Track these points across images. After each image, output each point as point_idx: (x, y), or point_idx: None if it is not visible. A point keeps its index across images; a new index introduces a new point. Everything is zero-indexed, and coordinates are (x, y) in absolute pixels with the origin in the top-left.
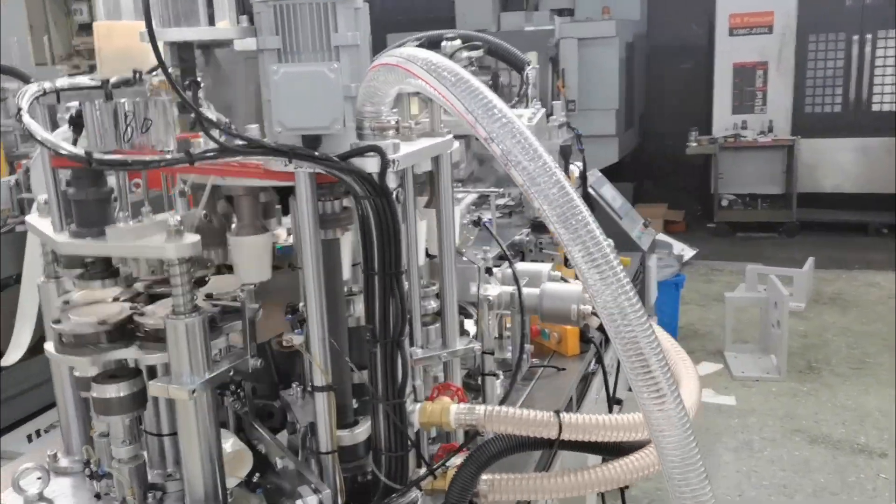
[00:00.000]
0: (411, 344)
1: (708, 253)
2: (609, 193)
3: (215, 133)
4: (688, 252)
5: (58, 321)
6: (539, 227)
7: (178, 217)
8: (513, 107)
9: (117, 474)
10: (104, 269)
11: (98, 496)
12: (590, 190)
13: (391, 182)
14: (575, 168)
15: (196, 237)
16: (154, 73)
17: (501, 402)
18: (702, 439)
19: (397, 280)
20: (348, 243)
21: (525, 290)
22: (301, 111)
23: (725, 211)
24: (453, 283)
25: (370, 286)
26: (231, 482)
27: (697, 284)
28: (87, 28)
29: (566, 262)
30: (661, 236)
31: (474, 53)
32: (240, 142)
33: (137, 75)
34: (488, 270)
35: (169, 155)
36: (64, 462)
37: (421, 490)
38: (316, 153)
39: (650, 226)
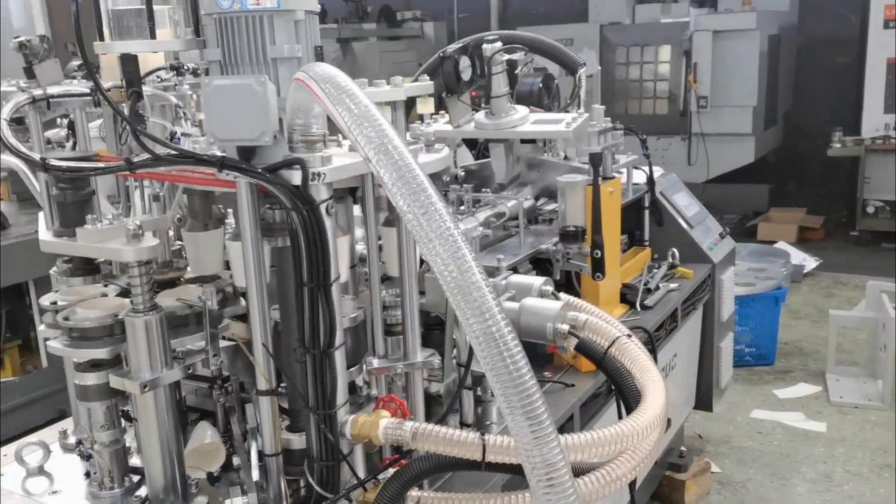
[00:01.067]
0: (373, 353)
1: (842, 264)
2: (683, 201)
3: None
4: (810, 262)
5: (66, 318)
6: (568, 236)
7: (139, 221)
8: (564, 110)
9: (97, 457)
10: (84, 267)
11: (87, 475)
12: (659, 196)
13: (321, 194)
14: (642, 173)
15: (154, 241)
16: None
17: (480, 417)
18: (778, 466)
19: (325, 292)
20: (346, 246)
21: (506, 304)
22: (230, 123)
23: (870, 219)
24: (414, 296)
25: (300, 297)
26: (198, 474)
27: (816, 298)
28: None
29: (594, 274)
30: (782, 245)
31: (515, 56)
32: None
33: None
34: None
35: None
36: (71, 439)
37: (352, 501)
38: (244, 164)
39: (727, 236)
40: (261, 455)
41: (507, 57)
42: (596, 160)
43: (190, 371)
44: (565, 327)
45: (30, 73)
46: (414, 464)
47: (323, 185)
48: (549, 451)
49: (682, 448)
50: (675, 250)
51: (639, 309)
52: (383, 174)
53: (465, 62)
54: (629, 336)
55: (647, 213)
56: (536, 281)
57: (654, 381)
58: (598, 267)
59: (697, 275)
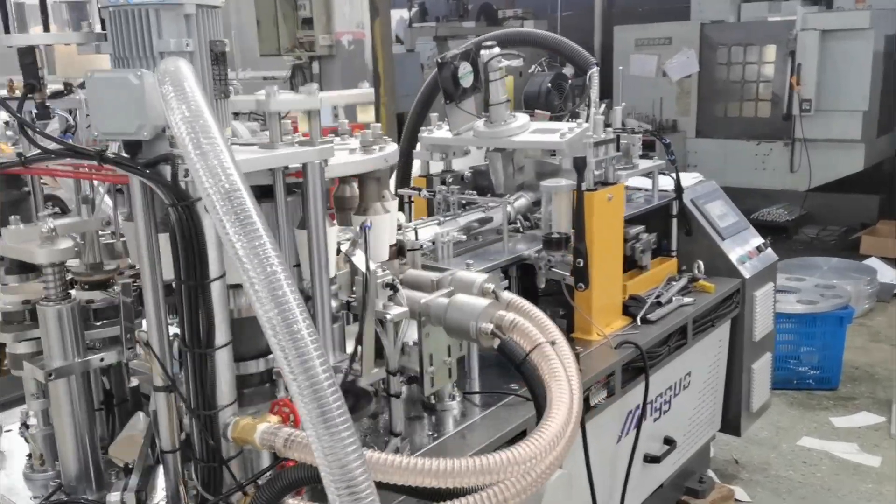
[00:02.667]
0: None
1: None
2: (717, 210)
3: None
4: None
5: None
6: (552, 243)
7: (52, 224)
8: (575, 111)
9: (31, 439)
10: (19, 266)
11: (29, 455)
12: (689, 204)
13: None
14: (670, 180)
15: (68, 243)
16: None
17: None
18: (816, 499)
19: (203, 289)
20: (333, 235)
21: (435, 299)
22: (111, 117)
23: None
24: (326, 298)
25: (179, 295)
26: (118, 462)
27: None
28: (308, 22)
29: (575, 283)
30: (873, 261)
31: (514, 63)
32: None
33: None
34: (390, 286)
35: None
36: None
37: None
38: (121, 158)
39: (767, 250)
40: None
41: (504, 63)
42: (580, 164)
43: (102, 361)
44: (489, 326)
45: None
46: (287, 472)
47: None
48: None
49: (710, 472)
50: (700, 262)
51: (638, 323)
52: (201, 181)
53: (465, 68)
54: (553, 343)
55: (674, 221)
56: (479, 278)
57: (559, 398)
58: (580, 276)
59: (721, 289)
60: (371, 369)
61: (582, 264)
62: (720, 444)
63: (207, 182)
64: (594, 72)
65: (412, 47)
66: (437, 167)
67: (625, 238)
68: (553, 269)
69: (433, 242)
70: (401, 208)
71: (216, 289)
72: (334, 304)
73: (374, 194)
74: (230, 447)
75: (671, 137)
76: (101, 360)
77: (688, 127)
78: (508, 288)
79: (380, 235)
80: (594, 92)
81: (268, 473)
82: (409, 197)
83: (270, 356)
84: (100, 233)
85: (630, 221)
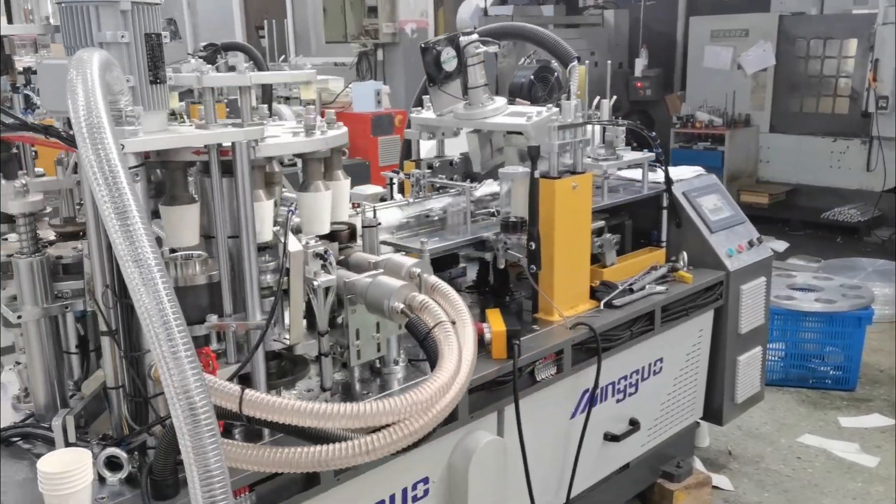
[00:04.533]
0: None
1: None
2: (711, 204)
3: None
4: None
5: None
6: (508, 227)
7: (25, 180)
8: (557, 103)
9: (18, 374)
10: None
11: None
12: (680, 196)
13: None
14: (660, 173)
15: (38, 197)
16: None
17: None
18: (798, 494)
19: None
20: (270, 207)
21: (361, 279)
22: (54, 97)
23: None
24: (253, 268)
25: (111, 252)
26: None
27: None
28: (374, 11)
29: (528, 265)
30: None
31: (491, 49)
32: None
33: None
34: (320, 256)
35: None
36: None
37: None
38: (63, 132)
39: (760, 245)
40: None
41: (482, 49)
42: (534, 153)
43: (67, 309)
44: (399, 305)
45: None
46: None
47: (126, 155)
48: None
49: (697, 460)
50: (684, 253)
51: (601, 307)
52: (84, 164)
53: (448, 53)
54: (454, 323)
55: (664, 213)
56: (408, 262)
57: (447, 364)
58: (533, 258)
59: (700, 280)
60: (299, 335)
61: (535, 247)
62: (717, 433)
63: (90, 165)
64: (574, 65)
65: None
66: (433, 152)
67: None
68: (509, 251)
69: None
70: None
71: None
72: (269, 276)
73: (315, 173)
74: (155, 386)
75: (744, 132)
76: (66, 307)
77: (761, 122)
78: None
79: (317, 212)
80: (573, 84)
81: None
82: (391, 179)
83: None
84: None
85: (614, 211)
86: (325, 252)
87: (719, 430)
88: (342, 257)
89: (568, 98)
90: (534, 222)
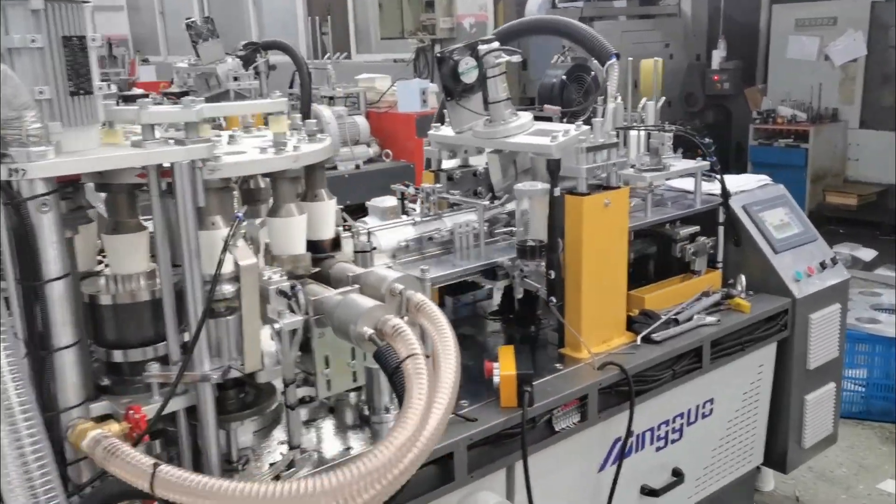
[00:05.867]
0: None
1: None
2: (776, 219)
3: None
4: None
5: None
6: (525, 252)
7: None
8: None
9: None
10: None
11: None
12: (740, 211)
13: (32, 190)
14: (716, 183)
15: None
16: None
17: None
18: None
19: (34, 290)
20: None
21: (331, 296)
22: None
23: None
24: (198, 300)
25: (18, 294)
26: None
27: None
28: (430, 5)
29: (548, 297)
30: None
31: (514, 59)
32: None
33: None
34: (283, 293)
35: None
36: None
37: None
38: None
39: (834, 266)
40: None
41: (504, 59)
42: (553, 167)
43: None
44: (367, 330)
45: None
46: (105, 486)
47: (31, 181)
48: None
49: None
50: (742, 277)
51: (638, 342)
52: None
53: (467, 63)
54: (428, 357)
55: (720, 229)
56: (390, 276)
57: (404, 422)
58: (553, 289)
59: (760, 309)
60: (256, 362)
61: (554, 276)
62: (787, 477)
63: None
64: (612, 63)
65: None
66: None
67: (675, 239)
68: (526, 280)
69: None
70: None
71: (57, 289)
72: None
73: (285, 195)
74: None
75: (830, 128)
76: None
77: (850, 116)
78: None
79: (289, 238)
80: (612, 85)
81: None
82: (402, 193)
83: (162, 343)
84: None
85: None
86: (293, 288)
87: (792, 473)
88: (317, 270)
89: (605, 101)
90: (554, 248)
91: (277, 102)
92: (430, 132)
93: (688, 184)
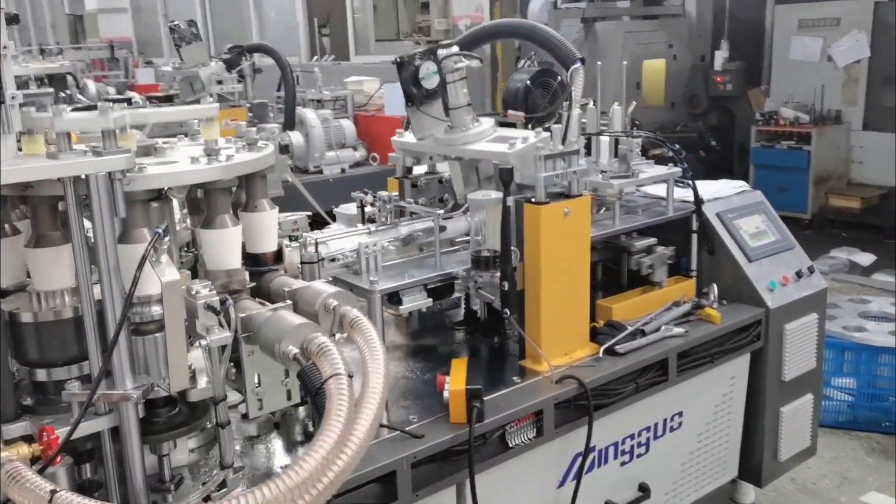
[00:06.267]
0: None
1: None
2: (752, 227)
3: None
4: None
5: None
6: (480, 263)
7: None
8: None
9: None
10: None
11: None
12: (713, 218)
13: None
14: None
15: None
16: None
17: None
18: None
19: None
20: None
21: (261, 312)
22: None
23: None
24: (116, 313)
25: None
26: None
27: None
28: (426, 7)
29: (502, 308)
30: None
31: (473, 63)
32: None
33: None
34: (212, 309)
35: None
36: None
37: None
38: None
39: (810, 275)
40: None
41: (463, 64)
42: (506, 177)
43: None
44: (291, 350)
45: None
46: None
47: None
48: None
49: None
50: (714, 286)
51: (600, 354)
52: None
53: (427, 68)
54: (351, 376)
55: (693, 237)
56: (325, 291)
57: (319, 444)
58: (507, 301)
59: (731, 320)
60: (182, 381)
61: (507, 288)
62: (768, 489)
63: None
64: (577, 68)
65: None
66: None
67: (631, 251)
68: (480, 291)
69: (356, 253)
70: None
71: None
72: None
73: (218, 206)
74: None
75: (833, 130)
76: None
77: (853, 118)
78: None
79: (223, 251)
80: (576, 90)
81: None
82: (361, 201)
83: (85, 362)
84: None
85: (641, 233)
86: (223, 303)
87: (772, 485)
88: (253, 284)
89: (570, 106)
90: (506, 258)
91: (209, 108)
92: (394, 138)
93: (664, 190)
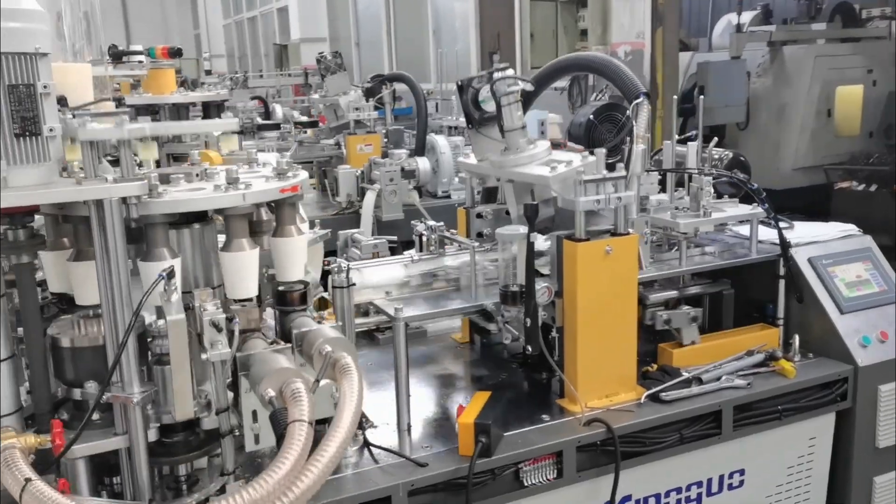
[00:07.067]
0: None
1: None
2: (851, 275)
3: None
4: None
5: None
6: (507, 297)
7: None
8: (614, 147)
9: None
10: None
11: None
12: (805, 264)
13: None
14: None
15: None
16: None
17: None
18: None
19: None
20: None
21: (250, 353)
22: None
23: None
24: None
25: None
26: None
27: None
28: (584, 33)
29: (524, 345)
30: None
31: (527, 87)
32: None
33: None
34: (214, 325)
35: None
36: None
37: None
38: None
39: None
40: None
41: (517, 88)
42: (530, 212)
43: None
44: (269, 392)
45: None
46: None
47: None
48: None
49: None
50: (796, 337)
51: (642, 400)
52: None
53: (487, 92)
54: (311, 424)
55: (780, 283)
56: (324, 336)
57: (265, 479)
58: (530, 338)
59: (808, 375)
60: (187, 411)
61: (530, 324)
62: None
63: None
64: (640, 102)
65: (738, 54)
66: None
67: (645, 303)
68: (507, 325)
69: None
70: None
71: None
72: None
73: (237, 231)
74: None
75: None
76: None
77: None
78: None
79: (240, 275)
80: (640, 125)
81: None
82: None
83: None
84: None
85: (716, 276)
86: (232, 320)
87: None
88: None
89: (631, 140)
90: (530, 294)
91: (228, 122)
92: (460, 159)
93: (767, 232)
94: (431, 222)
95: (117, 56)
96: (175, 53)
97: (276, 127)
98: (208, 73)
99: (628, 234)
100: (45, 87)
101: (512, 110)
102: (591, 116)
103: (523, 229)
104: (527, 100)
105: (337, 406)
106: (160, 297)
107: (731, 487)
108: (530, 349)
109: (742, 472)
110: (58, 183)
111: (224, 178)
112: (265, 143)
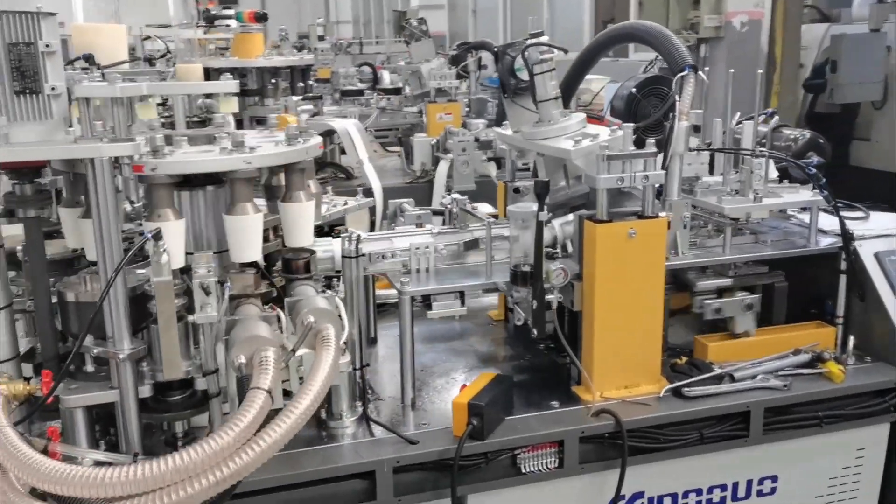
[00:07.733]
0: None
1: None
2: None
3: None
4: None
5: None
6: (517, 278)
7: None
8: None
9: None
10: None
11: None
12: (869, 260)
13: None
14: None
15: None
16: None
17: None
18: None
19: None
20: (181, 230)
21: (232, 318)
22: None
23: None
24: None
25: None
26: None
27: None
28: (697, 2)
29: (531, 327)
30: None
31: (557, 55)
32: None
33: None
34: (203, 289)
35: None
36: None
37: None
38: None
39: None
40: None
41: (551, 55)
42: (541, 189)
43: None
44: (239, 359)
45: None
46: None
47: None
48: None
49: None
50: (851, 338)
51: (661, 394)
52: None
53: (521, 59)
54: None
55: (841, 278)
56: (312, 305)
57: (214, 438)
58: (536, 321)
59: (858, 381)
60: (176, 371)
61: (536, 306)
62: None
63: None
64: (685, 75)
65: (878, 27)
66: None
67: (694, 290)
68: (517, 306)
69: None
70: None
71: None
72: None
73: (241, 194)
74: None
75: None
76: None
77: None
78: None
79: (242, 238)
80: (684, 100)
81: None
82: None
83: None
84: None
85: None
86: (223, 284)
87: None
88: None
89: (673, 116)
90: (538, 276)
91: (227, 84)
92: (497, 129)
93: (828, 221)
94: (456, 195)
95: (209, 19)
96: (261, 18)
97: (360, 93)
98: (321, 38)
99: (657, 216)
100: (47, 45)
101: (545, 79)
102: (634, 90)
103: (533, 207)
104: (580, 71)
105: (309, 373)
106: (154, 257)
107: (760, 494)
108: (535, 332)
109: (774, 478)
110: (56, 141)
111: (230, 141)
112: (346, 108)
